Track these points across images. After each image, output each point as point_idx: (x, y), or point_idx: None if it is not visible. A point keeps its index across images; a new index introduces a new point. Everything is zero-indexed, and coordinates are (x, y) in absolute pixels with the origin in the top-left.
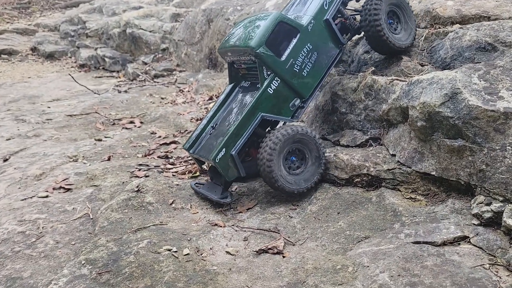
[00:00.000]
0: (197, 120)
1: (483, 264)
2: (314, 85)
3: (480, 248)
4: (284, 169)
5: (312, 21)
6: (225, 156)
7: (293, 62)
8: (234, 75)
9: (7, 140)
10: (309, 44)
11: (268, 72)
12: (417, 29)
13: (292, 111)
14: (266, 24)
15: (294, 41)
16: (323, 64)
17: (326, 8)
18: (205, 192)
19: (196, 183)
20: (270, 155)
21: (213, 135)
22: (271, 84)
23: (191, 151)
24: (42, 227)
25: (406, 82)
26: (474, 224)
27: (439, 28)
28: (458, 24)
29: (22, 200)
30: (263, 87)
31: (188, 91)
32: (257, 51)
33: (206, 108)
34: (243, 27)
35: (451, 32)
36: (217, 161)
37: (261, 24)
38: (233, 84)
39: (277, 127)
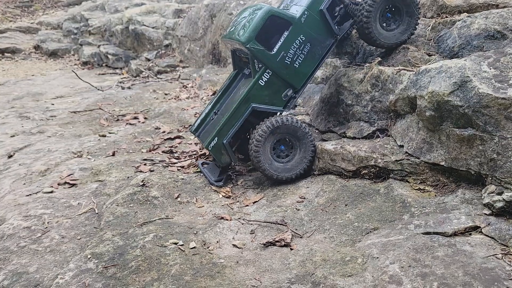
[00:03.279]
0: None
1: (496, 254)
2: (306, 76)
3: (492, 238)
4: (271, 156)
5: (306, 12)
6: (218, 144)
7: (284, 54)
8: (237, 62)
9: (11, 136)
10: (302, 35)
11: (260, 65)
12: (424, 18)
13: (284, 101)
14: (256, 18)
15: (286, 33)
16: (317, 55)
17: None
18: (206, 173)
19: (203, 162)
20: (258, 141)
21: (214, 121)
22: (263, 76)
23: (196, 134)
24: (48, 222)
25: (414, 72)
26: (485, 214)
27: (446, 17)
28: (465, 13)
29: (27, 195)
30: (254, 79)
31: (192, 87)
32: (247, 46)
33: None
34: (243, 17)
35: (459, 21)
36: (210, 148)
37: (254, 16)
38: (236, 70)
39: (270, 117)
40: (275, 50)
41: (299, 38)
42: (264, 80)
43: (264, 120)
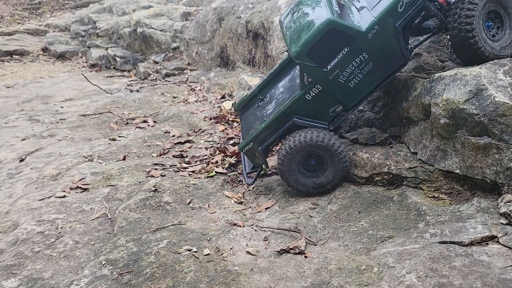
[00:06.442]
0: (210, 119)
1: None
2: (361, 97)
3: (510, 248)
4: (298, 170)
5: (376, 27)
6: (252, 149)
7: (339, 73)
8: None
9: (22, 140)
10: (364, 53)
11: (309, 79)
12: None
13: (331, 117)
14: (313, 31)
15: (346, 50)
16: (378, 75)
17: (400, 10)
18: (244, 160)
19: None
20: (284, 156)
21: (257, 111)
22: (310, 91)
23: (239, 113)
24: (61, 227)
25: (428, 79)
26: (502, 223)
27: None
28: None
29: (40, 200)
30: (301, 92)
31: (200, 90)
32: (297, 61)
33: (219, 106)
34: (301, 15)
35: None
36: (244, 151)
37: (311, 25)
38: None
39: (299, 131)
40: (329, 67)
41: (360, 56)
42: (312, 95)
43: (295, 133)
